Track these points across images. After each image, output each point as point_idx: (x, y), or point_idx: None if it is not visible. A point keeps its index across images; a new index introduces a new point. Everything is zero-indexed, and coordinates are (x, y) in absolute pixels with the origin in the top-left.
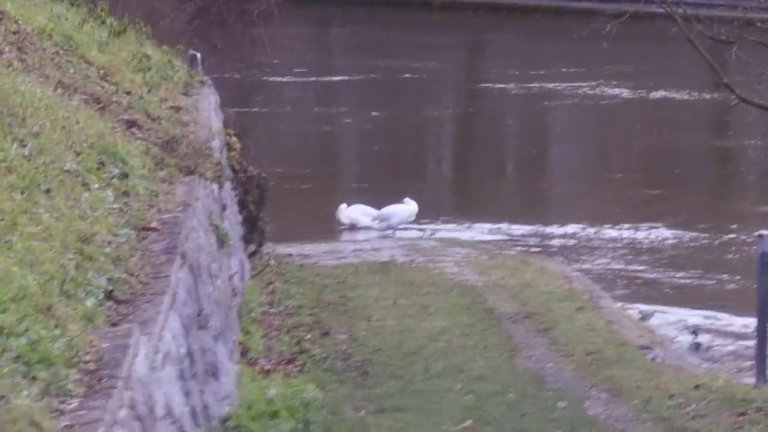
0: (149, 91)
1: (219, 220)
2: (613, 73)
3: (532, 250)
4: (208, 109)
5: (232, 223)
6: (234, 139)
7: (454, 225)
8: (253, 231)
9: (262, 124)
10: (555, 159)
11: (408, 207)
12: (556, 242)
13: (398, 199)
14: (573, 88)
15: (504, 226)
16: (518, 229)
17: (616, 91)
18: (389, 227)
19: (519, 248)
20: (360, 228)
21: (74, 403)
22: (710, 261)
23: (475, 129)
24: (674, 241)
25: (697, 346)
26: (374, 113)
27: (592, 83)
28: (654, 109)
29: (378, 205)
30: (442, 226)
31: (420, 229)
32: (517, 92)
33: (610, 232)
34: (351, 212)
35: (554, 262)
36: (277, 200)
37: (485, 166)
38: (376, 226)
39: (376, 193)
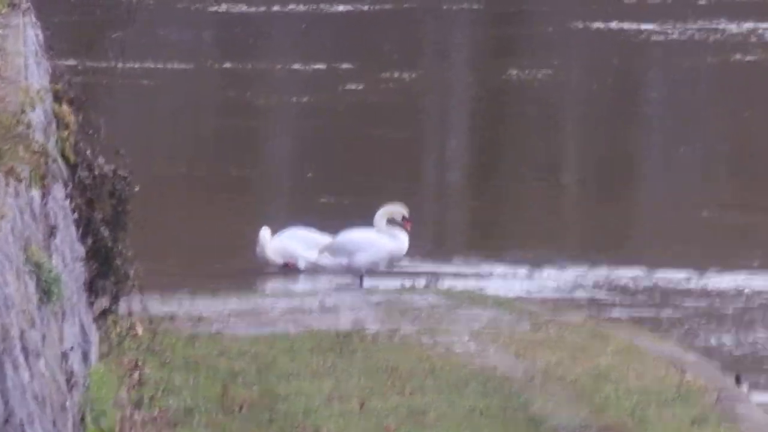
0: None
1: (42, 254)
2: None
3: (612, 313)
4: (23, 55)
5: (67, 260)
6: (70, 110)
7: (472, 268)
8: (105, 274)
9: (124, 88)
10: (659, 155)
11: (388, 240)
12: (655, 301)
13: (369, 221)
14: (697, 32)
15: (560, 270)
16: (587, 276)
17: None
18: (352, 269)
19: (588, 311)
20: (300, 270)
21: None
22: None
23: (510, 102)
24: None
25: None
26: (329, 71)
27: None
28: None
29: (331, 230)
30: (449, 269)
31: (410, 274)
32: (595, 36)
33: (756, 283)
34: (285, 242)
35: (652, 336)
36: (149, 220)
37: (530, 165)
38: (329, 266)
39: (332, 211)
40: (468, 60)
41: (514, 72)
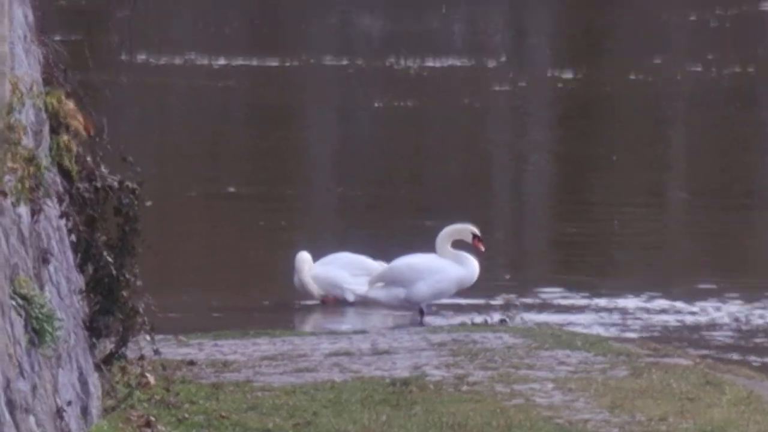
0: None
1: (32, 285)
2: None
3: (728, 356)
4: (8, 40)
5: (63, 293)
6: (71, 107)
7: (557, 300)
8: (109, 309)
9: (133, 85)
10: None
11: (455, 266)
12: None
13: (430, 245)
14: None
15: (665, 304)
16: (696, 311)
17: None
18: (410, 302)
19: (699, 351)
20: (346, 303)
21: None
22: None
23: (606, 104)
24: None
25: None
26: (371, 66)
27: None
28: None
29: (386, 257)
30: (529, 301)
31: (481, 308)
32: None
33: None
34: (328, 269)
35: None
36: (164, 244)
37: (627, 180)
38: (383, 299)
39: (385, 235)
40: (552, 51)
41: (607, 68)
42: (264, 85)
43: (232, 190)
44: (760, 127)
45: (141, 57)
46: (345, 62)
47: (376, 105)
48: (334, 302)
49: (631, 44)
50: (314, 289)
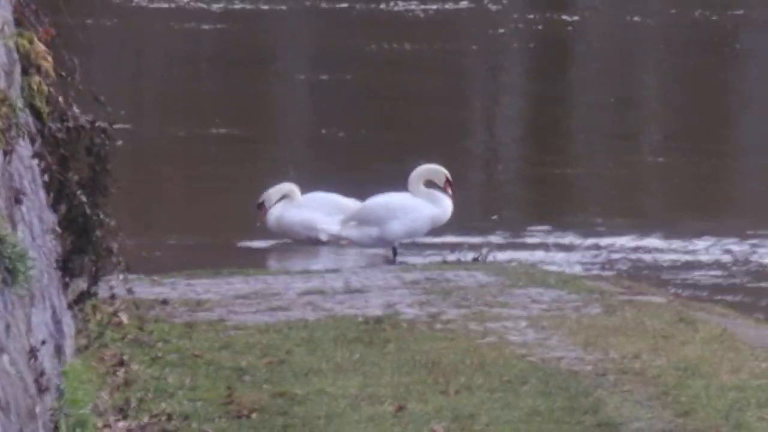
0: None
1: (4, 225)
2: None
3: (701, 293)
4: None
5: (36, 232)
6: (42, 48)
7: (530, 238)
8: (82, 248)
9: (107, 19)
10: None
11: (428, 204)
12: (754, 278)
13: (404, 185)
14: None
15: (638, 241)
16: (670, 249)
17: None
18: (384, 241)
19: (672, 289)
20: (320, 242)
21: None
22: None
23: (574, 46)
24: None
25: None
26: (351, 10)
27: None
28: None
29: (360, 196)
30: (502, 240)
31: (454, 246)
32: None
33: None
34: (299, 209)
35: (750, 320)
36: (137, 183)
37: (599, 119)
38: (356, 238)
39: (359, 176)
40: None
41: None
42: (255, 29)
43: (209, 131)
44: (742, 74)
45: None
46: (344, 5)
47: (372, 47)
48: (305, 240)
49: None
50: (288, 227)
